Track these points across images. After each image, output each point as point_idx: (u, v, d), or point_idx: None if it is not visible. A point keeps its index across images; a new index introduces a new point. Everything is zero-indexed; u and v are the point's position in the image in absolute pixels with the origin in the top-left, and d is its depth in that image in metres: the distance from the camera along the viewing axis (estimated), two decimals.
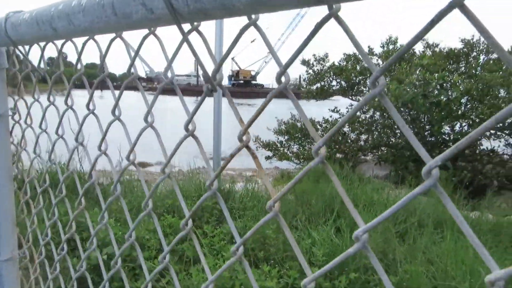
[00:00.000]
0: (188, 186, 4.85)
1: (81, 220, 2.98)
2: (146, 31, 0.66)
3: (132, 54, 0.71)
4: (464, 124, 9.01)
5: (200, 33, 0.54)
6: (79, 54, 0.85)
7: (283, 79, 0.44)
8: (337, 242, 3.54)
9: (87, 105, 0.82)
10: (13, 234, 1.17)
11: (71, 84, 0.88)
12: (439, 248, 3.62)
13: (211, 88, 0.50)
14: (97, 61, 0.97)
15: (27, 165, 1.15)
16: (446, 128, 9.17)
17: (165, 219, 3.69)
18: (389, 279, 0.54)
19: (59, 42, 0.95)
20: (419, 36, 0.34)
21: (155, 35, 0.62)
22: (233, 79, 79.84)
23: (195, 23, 0.53)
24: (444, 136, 9.14)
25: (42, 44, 1.00)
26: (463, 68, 9.45)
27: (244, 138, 0.48)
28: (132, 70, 0.73)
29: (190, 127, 0.57)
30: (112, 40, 0.71)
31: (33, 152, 1.10)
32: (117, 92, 0.80)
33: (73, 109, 0.91)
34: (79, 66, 0.88)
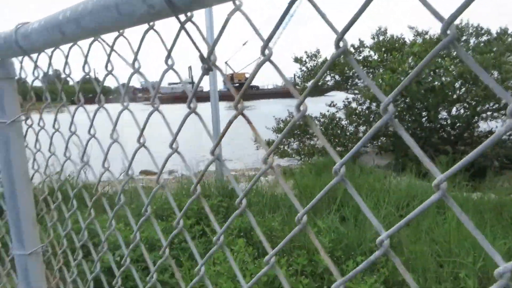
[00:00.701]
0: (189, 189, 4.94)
1: (91, 227, 3.06)
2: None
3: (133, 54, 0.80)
4: (460, 107, 9.10)
5: (193, 22, 0.62)
6: (86, 55, 0.94)
7: (266, 51, 0.53)
8: (342, 229, 3.63)
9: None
10: (35, 230, 1.26)
11: (80, 83, 0.97)
12: (442, 229, 3.71)
13: (207, 68, 0.59)
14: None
15: (42, 165, 1.24)
16: (443, 114, 9.26)
17: (171, 221, 3.78)
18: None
19: (65, 49, 1.04)
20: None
21: (155, 30, 0.71)
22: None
23: (189, 14, 0.61)
24: (441, 121, 9.23)
25: (49, 52, 1.09)
26: (454, 52, 9.54)
27: (239, 106, 0.57)
28: (136, 65, 0.82)
29: (192, 105, 0.66)
30: (116, 38, 0.80)
31: (49, 151, 1.19)
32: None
33: (83, 106, 1.00)
34: (86, 68, 0.97)
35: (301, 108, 0.50)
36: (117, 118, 0.86)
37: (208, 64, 0.58)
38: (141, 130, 0.79)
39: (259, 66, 0.55)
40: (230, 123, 0.59)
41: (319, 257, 3.07)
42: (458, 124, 9.08)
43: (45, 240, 1.31)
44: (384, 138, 9.81)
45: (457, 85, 8.67)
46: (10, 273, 1.63)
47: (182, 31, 0.63)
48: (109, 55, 0.86)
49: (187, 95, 0.67)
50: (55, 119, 1.12)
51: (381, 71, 9.46)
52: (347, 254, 3.22)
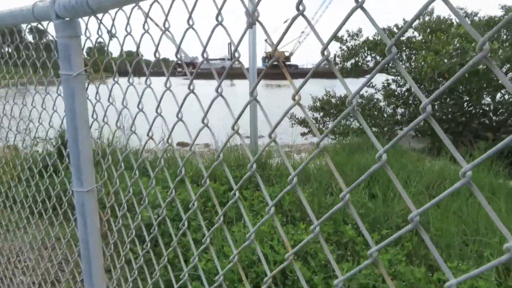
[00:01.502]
0: (229, 158, 5.15)
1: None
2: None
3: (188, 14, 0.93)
4: (505, 93, 8.78)
5: None
6: (147, 14, 1.08)
7: (301, 7, 0.64)
8: (370, 204, 3.71)
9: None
10: (92, 170, 1.45)
11: (140, 41, 1.12)
12: (472, 210, 3.72)
13: (251, 22, 0.71)
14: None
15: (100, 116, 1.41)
16: (487, 99, 8.97)
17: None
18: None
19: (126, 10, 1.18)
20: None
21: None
22: (267, 61, 79.72)
23: None
24: (484, 107, 8.96)
25: (112, 14, 1.24)
26: (504, 35, 9.14)
27: (277, 54, 0.69)
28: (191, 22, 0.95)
29: (236, 54, 0.79)
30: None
31: (108, 101, 1.37)
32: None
33: (141, 60, 1.15)
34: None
35: (325, 52, 0.61)
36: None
37: (252, 19, 0.70)
38: (191, 78, 0.93)
39: (293, 19, 0.66)
40: (268, 67, 0.71)
41: (345, 228, 3.19)
42: (501, 110, 8.78)
43: (99, 181, 1.50)
44: (422, 122, 9.63)
45: (504, 69, 8.35)
46: (67, 211, 1.85)
47: None
48: (167, 14, 0.99)
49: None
50: (115, 73, 1.28)
51: (423, 53, 9.21)
52: (373, 227, 3.32)
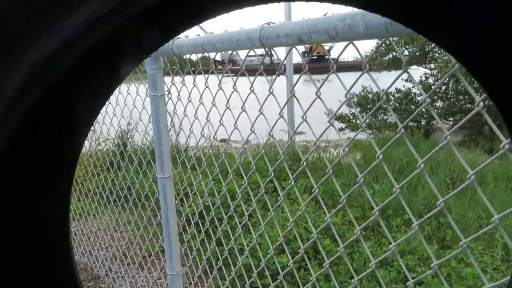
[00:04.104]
0: (268, 153, 5.70)
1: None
2: None
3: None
4: None
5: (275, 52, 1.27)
6: (214, 58, 1.63)
7: None
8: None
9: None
10: (170, 162, 2.03)
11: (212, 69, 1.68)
12: (490, 198, 4.05)
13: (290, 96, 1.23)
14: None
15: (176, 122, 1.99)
16: None
17: (251, 178, 4.55)
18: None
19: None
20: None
21: (254, 51, 1.37)
22: (306, 55, 79.45)
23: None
24: None
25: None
26: None
27: None
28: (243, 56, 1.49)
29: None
30: (231, 52, 1.48)
31: (183, 114, 1.94)
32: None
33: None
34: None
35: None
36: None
37: (292, 94, 1.23)
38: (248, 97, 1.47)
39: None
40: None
41: (371, 213, 3.65)
42: None
43: (175, 170, 2.08)
44: (459, 115, 9.75)
45: None
46: (148, 195, 2.46)
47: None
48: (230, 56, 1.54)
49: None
50: (190, 92, 1.85)
51: None
52: (396, 212, 3.75)
